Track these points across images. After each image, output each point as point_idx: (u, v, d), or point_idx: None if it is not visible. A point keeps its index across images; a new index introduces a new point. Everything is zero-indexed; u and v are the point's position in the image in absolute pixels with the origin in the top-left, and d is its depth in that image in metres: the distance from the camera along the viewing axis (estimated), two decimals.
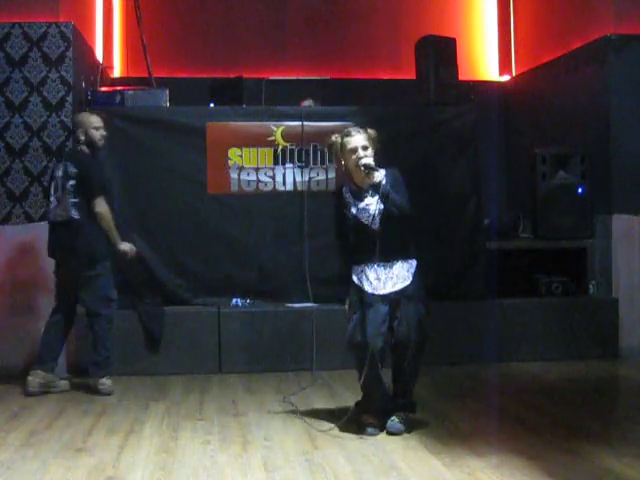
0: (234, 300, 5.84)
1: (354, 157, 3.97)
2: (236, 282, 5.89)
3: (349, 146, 3.99)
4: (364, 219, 3.99)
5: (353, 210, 4.02)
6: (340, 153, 4.05)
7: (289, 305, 5.82)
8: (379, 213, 3.95)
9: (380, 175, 3.97)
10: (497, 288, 5.91)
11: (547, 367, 5.69)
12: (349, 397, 4.51)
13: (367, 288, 3.97)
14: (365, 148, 3.98)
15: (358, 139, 3.99)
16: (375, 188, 3.95)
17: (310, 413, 4.42)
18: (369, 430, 3.98)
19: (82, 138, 5.04)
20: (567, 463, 3.51)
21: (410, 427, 4.04)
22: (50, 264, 5.56)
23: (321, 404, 4.63)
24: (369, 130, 4.06)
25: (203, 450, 3.80)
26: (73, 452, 3.77)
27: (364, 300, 3.97)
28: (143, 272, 5.76)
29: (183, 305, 5.79)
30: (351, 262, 4.07)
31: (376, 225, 3.95)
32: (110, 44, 7.63)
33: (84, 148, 5.06)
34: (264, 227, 5.98)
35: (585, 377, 5.46)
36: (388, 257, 3.95)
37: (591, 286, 6.28)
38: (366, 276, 3.98)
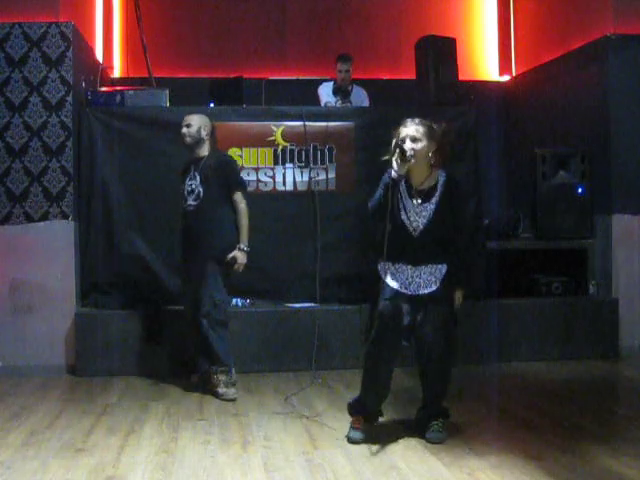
0: (234, 300, 5.84)
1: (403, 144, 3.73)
2: (236, 282, 5.88)
3: (400, 135, 3.78)
4: (407, 223, 3.80)
5: (400, 207, 3.79)
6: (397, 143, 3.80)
7: (289, 305, 5.82)
8: (426, 221, 3.78)
9: (439, 178, 3.80)
10: (497, 288, 5.91)
11: (547, 367, 5.69)
12: (349, 397, 4.49)
13: (392, 285, 3.82)
14: (415, 140, 3.75)
15: (410, 130, 3.77)
16: (428, 193, 3.78)
17: (310, 413, 4.42)
18: (353, 434, 3.85)
19: None
20: (567, 463, 3.52)
21: (449, 433, 3.94)
22: (49, 264, 5.58)
23: (321, 404, 4.63)
24: (434, 125, 3.82)
25: (203, 450, 3.80)
26: (73, 452, 3.77)
27: (387, 294, 3.80)
28: (143, 271, 5.76)
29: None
30: (380, 256, 3.85)
31: (417, 233, 3.80)
32: (110, 44, 7.63)
33: None
34: (264, 227, 5.96)
35: (585, 377, 5.46)
36: (420, 261, 3.80)
37: (591, 286, 6.28)
38: (393, 275, 3.82)
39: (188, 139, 5.02)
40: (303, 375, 5.38)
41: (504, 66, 8.36)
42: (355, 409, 3.98)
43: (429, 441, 3.84)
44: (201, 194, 4.94)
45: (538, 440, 3.88)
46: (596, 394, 5.02)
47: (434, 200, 3.80)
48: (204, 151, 5.04)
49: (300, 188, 5.99)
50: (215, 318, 4.89)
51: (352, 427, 3.90)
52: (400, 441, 3.88)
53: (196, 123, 5.02)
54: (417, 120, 3.82)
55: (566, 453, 3.66)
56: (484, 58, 8.46)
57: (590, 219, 6.31)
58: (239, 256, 4.95)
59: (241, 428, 4.18)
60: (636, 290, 6.13)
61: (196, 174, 4.98)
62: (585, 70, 6.54)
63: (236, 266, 4.99)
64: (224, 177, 4.97)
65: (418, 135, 3.77)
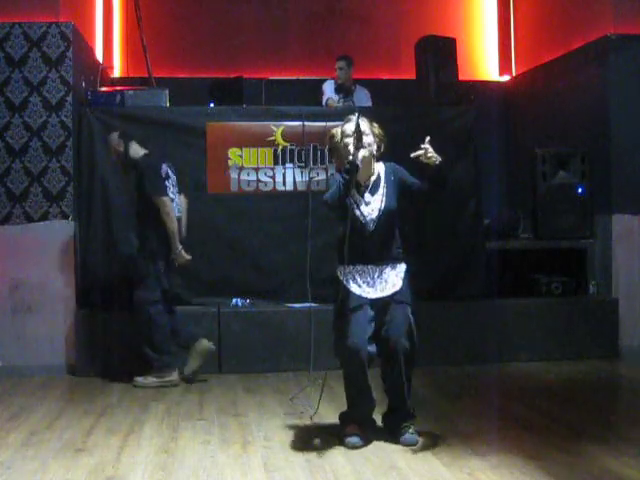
0: (234, 300, 5.84)
1: (351, 139, 3.70)
2: (236, 282, 5.90)
3: (347, 131, 3.77)
4: (362, 218, 3.80)
5: (352, 203, 3.77)
6: (340, 142, 3.80)
7: (289, 305, 5.82)
8: (379, 212, 3.80)
9: (380, 170, 3.86)
10: (497, 288, 5.91)
11: (547, 367, 5.69)
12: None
13: (355, 290, 3.78)
14: (365, 133, 3.75)
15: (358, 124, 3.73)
16: (374, 185, 3.84)
17: (310, 413, 4.41)
18: (351, 440, 3.75)
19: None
20: (567, 463, 3.51)
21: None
22: (49, 264, 5.58)
23: (321, 404, 4.62)
24: (374, 123, 3.86)
25: (203, 450, 3.80)
26: (73, 452, 3.77)
27: (350, 303, 3.74)
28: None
29: (183, 305, 5.79)
30: (338, 259, 3.84)
31: (372, 226, 3.81)
32: (110, 44, 7.64)
33: None
34: (264, 227, 5.98)
35: (585, 377, 5.46)
36: (378, 260, 3.79)
37: (591, 286, 6.28)
38: (354, 278, 3.79)
39: (121, 164, 5.29)
40: (303, 375, 5.37)
41: (504, 66, 8.36)
42: (347, 420, 3.91)
43: (404, 444, 3.75)
44: (132, 202, 5.28)
45: (538, 440, 3.88)
46: (596, 394, 5.02)
47: (381, 190, 3.84)
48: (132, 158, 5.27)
49: (300, 188, 5.99)
50: (138, 315, 5.23)
51: (349, 434, 3.81)
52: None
53: (111, 146, 5.28)
54: (361, 116, 3.81)
55: (566, 453, 3.66)
56: (484, 58, 8.46)
57: (590, 219, 6.31)
58: (176, 259, 5.20)
59: (241, 428, 4.18)
60: (636, 290, 6.13)
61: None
62: (585, 70, 6.54)
63: (180, 262, 5.24)
64: (141, 188, 5.17)
65: (367, 129, 3.80)
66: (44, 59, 5.63)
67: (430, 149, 3.69)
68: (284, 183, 6.01)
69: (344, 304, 3.78)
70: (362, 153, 3.72)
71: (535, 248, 6.42)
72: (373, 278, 3.80)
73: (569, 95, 6.83)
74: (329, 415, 4.32)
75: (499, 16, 8.40)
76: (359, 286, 3.79)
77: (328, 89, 7.04)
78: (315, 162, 6.02)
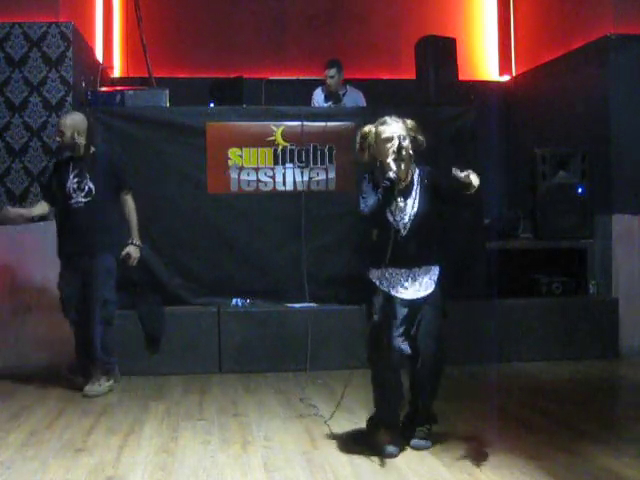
0: (234, 300, 5.84)
1: (389, 145, 3.61)
2: (236, 282, 5.89)
3: (384, 135, 3.65)
4: (395, 224, 3.66)
5: (386, 210, 3.65)
6: (374, 144, 3.70)
7: (289, 305, 5.82)
8: (412, 218, 3.69)
9: (414, 173, 3.74)
10: (497, 288, 5.91)
11: (547, 367, 5.69)
12: (349, 397, 4.49)
13: (389, 290, 3.67)
14: (403, 138, 3.62)
15: (395, 127, 3.65)
16: (407, 189, 3.70)
17: (310, 413, 4.42)
18: (389, 449, 3.63)
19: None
20: (567, 463, 3.51)
21: (434, 440, 3.78)
22: (49, 264, 5.57)
23: (321, 404, 4.63)
24: (407, 120, 3.71)
25: (203, 450, 3.80)
26: (73, 452, 3.76)
27: (383, 303, 3.65)
28: (143, 272, 5.76)
29: (183, 305, 5.80)
30: (370, 262, 3.76)
31: (405, 231, 3.67)
32: (110, 44, 7.65)
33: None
34: (264, 227, 5.98)
35: (585, 377, 5.46)
36: (412, 264, 3.69)
37: (591, 286, 6.28)
38: (387, 280, 3.68)
39: (65, 146, 5.05)
40: (303, 375, 5.38)
41: (504, 66, 8.37)
42: (378, 427, 3.81)
43: (414, 448, 3.70)
44: (93, 191, 4.98)
45: (538, 440, 3.88)
46: (596, 394, 5.02)
47: (414, 195, 3.73)
48: (82, 149, 5.02)
49: (300, 188, 5.99)
50: (102, 316, 4.97)
51: (384, 443, 3.67)
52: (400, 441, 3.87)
53: (68, 129, 4.97)
54: (395, 117, 3.72)
55: (566, 453, 3.66)
56: (484, 58, 8.46)
57: (590, 219, 6.31)
58: (132, 251, 5.09)
59: (241, 428, 4.18)
60: (636, 290, 6.13)
61: (83, 172, 4.98)
62: (585, 70, 6.54)
63: (130, 261, 5.12)
64: (113, 175, 5.06)
65: (405, 133, 3.67)
66: (44, 59, 5.64)
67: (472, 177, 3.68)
68: (284, 183, 6.00)
69: (376, 304, 3.68)
70: (399, 166, 3.60)
71: (535, 248, 6.42)
72: (406, 281, 3.69)
73: (569, 95, 6.84)
74: (329, 415, 4.32)
75: (499, 16, 8.40)
76: (392, 287, 3.69)
77: (316, 99, 6.99)
78: (315, 162, 6.01)
